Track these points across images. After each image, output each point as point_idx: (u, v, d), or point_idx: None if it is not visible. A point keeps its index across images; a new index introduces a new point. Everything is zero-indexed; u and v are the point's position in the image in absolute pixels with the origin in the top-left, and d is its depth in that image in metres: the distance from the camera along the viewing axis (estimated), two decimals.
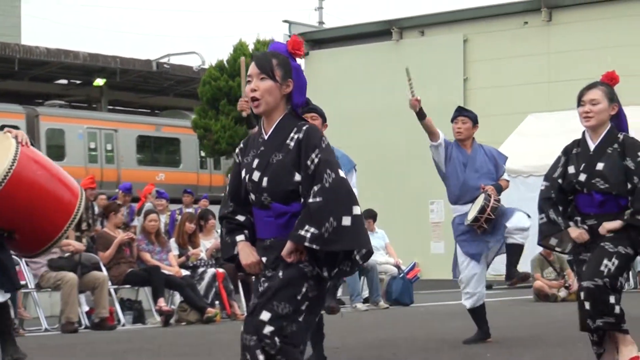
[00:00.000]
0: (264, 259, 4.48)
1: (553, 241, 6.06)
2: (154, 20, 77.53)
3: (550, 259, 15.89)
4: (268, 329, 4.31)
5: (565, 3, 25.99)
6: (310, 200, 4.29)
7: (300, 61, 22.17)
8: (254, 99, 4.48)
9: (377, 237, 16.09)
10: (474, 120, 9.47)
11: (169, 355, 9.40)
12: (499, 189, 9.25)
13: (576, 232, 5.91)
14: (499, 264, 9.82)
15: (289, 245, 4.33)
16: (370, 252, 4.42)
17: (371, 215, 15.84)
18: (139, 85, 36.75)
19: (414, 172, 26.45)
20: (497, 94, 26.35)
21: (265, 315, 4.33)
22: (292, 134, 4.43)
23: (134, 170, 30.25)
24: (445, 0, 71.57)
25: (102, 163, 30.63)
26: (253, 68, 4.49)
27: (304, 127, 4.43)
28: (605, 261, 5.78)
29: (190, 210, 16.48)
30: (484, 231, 9.05)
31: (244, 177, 4.52)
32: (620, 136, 5.92)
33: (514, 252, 9.25)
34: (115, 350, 9.83)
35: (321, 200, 4.27)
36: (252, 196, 4.50)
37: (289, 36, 30.33)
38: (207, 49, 47.83)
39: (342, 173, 4.35)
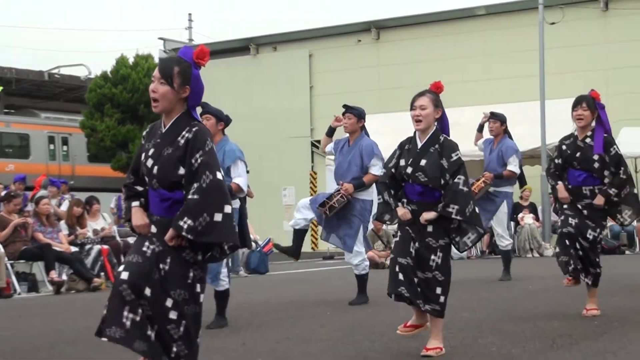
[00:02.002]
0: (153, 230, 4.43)
1: (386, 217, 6.11)
2: (46, 36, 75.36)
3: (379, 234, 16.12)
4: (173, 314, 4.29)
5: (391, 24, 26.43)
6: (190, 196, 4.25)
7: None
8: (153, 99, 4.41)
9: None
10: (358, 116, 9.12)
11: (60, 318, 9.12)
12: (359, 186, 8.94)
13: (402, 211, 5.97)
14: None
15: (170, 232, 4.29)
16: (236, 246, 4.43)
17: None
18: (32, 92, 35.81)
19: (269, 165, 26.50)
20: (337, 99, 26.29)
21: (169, 302, 4.30)
22: (184, 132, 4.37)
23: None
24: (293, 21, 71.84)
25: None
26: (156, 72, 4.42)
27: (194, 129, 4.37)
28: (432, 257, 5.84)
29: (66, 197, 16.14)
30: (326, 217, 8.98)
31: (142, 161, 4.48)
32: (442, 138, 5.97)
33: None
34: (12, 315, 9.60)
35: (198, 197, 4.23)
36: (146, 178, 4.48)
37: (164, 51, 29.90)
38: (93, 62, 46.92)
39: (219, 175, 4.30)
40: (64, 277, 12.78)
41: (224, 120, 7.89)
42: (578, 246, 7.36)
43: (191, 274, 4.35)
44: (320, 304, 9.36)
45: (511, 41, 24.16)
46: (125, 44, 69.45)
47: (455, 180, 5.81)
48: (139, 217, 4.47)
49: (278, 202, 26.78)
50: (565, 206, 7.55)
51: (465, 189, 5.82)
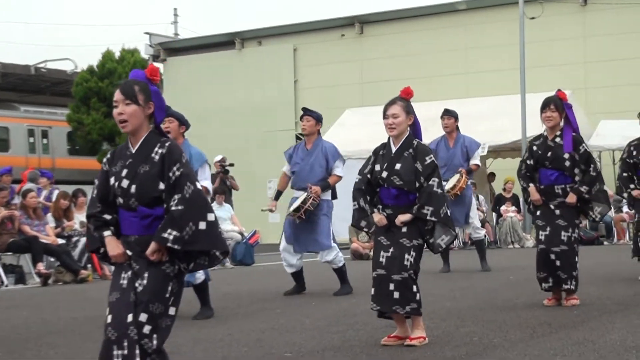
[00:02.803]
0: (128, 252, 4.37)
1: (363, 223, 6.12)
2: (33, 31, 74.93)
3: None
4: (147, 328, 4.23)
5: (374, 19, 26.43)
6: (173, 208, 4.23)
7: (159, 66, 21.76)
8: (121, 122, 4.38)
9: (224, 210, 16.13)
10: (317, 119, 9.30)
11: (47, 310, 9.08)
12: (326, 187, 9.12)
13: (378, 217, 6.01)
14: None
15: (153, 245, 4.24)
16: (226, 252, 4.41)
17: (222, 192, 16.03)
18: (19, 86, 35.62)
19: (255, 158, 26.48)
20: (321, 92, 26.55)
21: (143, 317, 4.23)
22: (156, 149, 4.35)
23: None
24: (278, 15, 71.70)
25: None
26: (118, 95, 4.38)
27: (166, 144, 4.36)
28: (406, 256, 5.86)
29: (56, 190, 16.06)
30: (301, 220, 9.04)
31: (113, 184, 4.40)
32: (415, 143, 6.02)
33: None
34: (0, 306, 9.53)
35: (182, 208, 4.21)
36: (120, 200, 4.39)
37: (150, 45, 29.79)
38: (80, 56, 46.70)
39: (198, 185, 4.32)
40: (52, 269, 12.72)
41: (185, 124, 7.92)
42: (553, 257, 7.42)
43: (169, 288, 4.30)
44: (306, 294, 9.39)
45: (492, 35, 24.19)
46: (111, 39, 69.21)
47: (430, 182, 5.87)
48: (114, 246, 4.39)
49: (263, 194, 26.76)
50: (538, 212, 7.64)
51: (440, 191, 5.89)
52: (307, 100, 26.73)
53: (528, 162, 7.73)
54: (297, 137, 27.27)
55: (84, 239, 13.09)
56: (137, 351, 4.20)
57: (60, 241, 13.03)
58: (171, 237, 4.18)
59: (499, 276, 10.63)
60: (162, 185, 4.31)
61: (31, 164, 27.17)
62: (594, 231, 18.33)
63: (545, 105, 7.57)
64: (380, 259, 5.92)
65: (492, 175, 21.66)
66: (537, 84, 20.88)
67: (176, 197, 4.24)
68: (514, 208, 18.88)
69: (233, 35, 28.66)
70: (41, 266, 12.48)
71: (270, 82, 27.45)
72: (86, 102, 29.88)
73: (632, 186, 9.41)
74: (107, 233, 4.41)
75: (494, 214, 19.62)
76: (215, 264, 4.53)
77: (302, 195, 9.08)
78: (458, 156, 11.30)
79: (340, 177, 9.24)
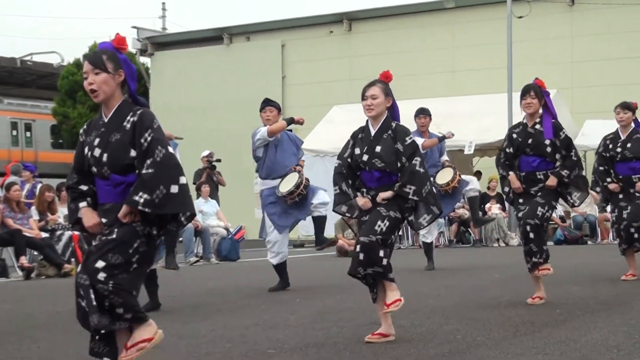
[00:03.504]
0: (104, 220, 4.38)
1: (344, 208, 6.10)
2: (19, 24, 74.64)
3: (349, 222, 16.11)
4: (102, 275, 4.21)
5: (362, 16, 26.46)
6: (144, 171, 4.23)
7: (146, 60, 21.68)
8: (92, 91, 4.38)
9: (210, 205, 16.13)
10: (279, 109, 9.46)
11: (30, 303, 9.04)
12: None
13: (362, 201, 5.99)
14: (311, 225, 9.85)
15: (124, 208, 4.26)
16: (193, 215, 4.42)
17: (210, 188, 16.17)
18: (4, 79, 35.48)
19: (242, 154, 26.38)
20: (309, 89, 26.56)
21: (100, 264, 4.22)
22: (128, 117, 4.36)
23: None
24: (266, 11, 71.54)
25: None
26: (87, 66, 4.39)
27: (139, 112, 4.37)
28: (379, 222, 5.84)
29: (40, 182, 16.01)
30: (293, 203, 9.07)
31: (87, 154, 4.42)
32: (394, 124, 6.01)
33: (320, 222, 9.40)
34: None
35: (153, 171, 4.22)
36: (94, 169, 4.41)
37: (138, 40, 29.70)
38: (66, 49, 46.53)
39: (171, 150, 4.31)
40: (35, 263, 12.67)
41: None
42: (528, 229, 7.46)
43: (136, 245, 4.28)
44: (290, 290, 9.38)
45: (480, 34, 24.25)
46: (98, 32, 68.88)
47: (412, 162, 5.86)
48: (89, 216, 4.40)
49: (250, 190, 26.67)
50: (520, 200, 7.66)
51: (422, 170, 5.88)
52: (295, 97, 26.78)
53: (507, 150, 7.72)
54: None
55: (68, 233, 13.17)
56: (92, 295, 4.20)
57: (44, 235, 12.97)
58: (142, 200, 4.18)
59: (484, 274, 10.65)
60: (133, 153, 4.31)
61: (14, 157, 27.03)
62: (578, 231, 18.39)
63: (525, 92, 7.61)
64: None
65: (478, 174, 21.68)
66: (524, 82, 20.82)
67: (148, 161, 4.24)
68: (499, 206, 18.92)
69: (221, 30, 28.63)
70: (24, 260, 12.43)
71: (258, 77, 27.42)
72: (72, 95, 29.78)
73: (608, 179, 9.43)
74: (82, 204, 4.43)
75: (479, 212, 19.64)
76: (180, 229, 4.53)
77: (289, 178, 9.13)
78: (435, 152, 11.47)
79: (304, 162, 9.71)
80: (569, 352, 5.32)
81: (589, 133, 20.32)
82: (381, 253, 5.83)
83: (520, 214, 7.63)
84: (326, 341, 6.00)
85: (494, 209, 18.68)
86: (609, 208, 17.38)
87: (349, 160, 6.05)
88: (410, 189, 5.83)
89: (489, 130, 20.31)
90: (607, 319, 6.58)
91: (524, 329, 6.21)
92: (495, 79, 22.24)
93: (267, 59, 27.45)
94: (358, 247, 5.86)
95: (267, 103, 9.48)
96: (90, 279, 4.21)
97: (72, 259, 13.01)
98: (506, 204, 19.27)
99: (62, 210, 13.61)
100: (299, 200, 9.15)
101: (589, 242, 18.35)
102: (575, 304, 7.47)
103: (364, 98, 6.01)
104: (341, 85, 25.68)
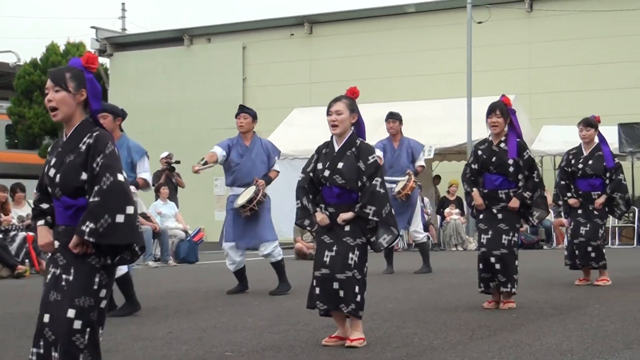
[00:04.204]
0: (56, 243, 4.30)
1: (306, 222, 6.11)
2: None
3: None
4: (77, 324, 4.16)
5: (323, 19, 26.51)
6: (91, 199, 4.16)
7: (105, 61, 21.52)
8: (52, 109, 4.31)
9: (169, 207, 16.07)
10: (254, 116, 9.34)
11: None
12: (269, 181, 9.21)
13: (320, 217, 6.00)
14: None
15: (74, 239, 4.17)
16: (143, 247, 4.34)
17: (168, 189, 16.18)
18: None
19: (201, 154, 26.21)
20: (269, 91, 26.53)
21: (71, 313, 4.15)
22: (85, 139, 4.29)
23: None
24: (227, 13, 71.28)
25: None
26: (49, 82, 4.33)
27: (95, 134, 4.29)
28: (350, 254, 5.86)
29: None
30: (247, 218, 9.05)
31: (44, 173, 4.38)
32: (358, 142, 6.02)
33: (277, 268, 9.41)
34: None
35: (98, 199, 4.13)
36: (49, 189, 4.35)
37: (97, 40, 29.45)
38: (22, 49, 45.87)
39: (120, 177, 4.19)
40: None
41: (120, 115, 7.84)
42: (493, 260, 7.52)
43: (97, 279, 4.23)
44: (249, 293, 9.38)
45: (440, 39, 24.39)
46: (56, 32, 68.15)
47: (373, 182, 5.87)
48: (42, 235, 4.36)
49: (209, 192, 26.62)
50: (480, 216, 7.74)
51: (382, 190, 5.89)
52: (256, 99, 26.69)
53: (473, 166, 7.83)
54: None
55: (22, 234, 12.98)
56: (71, 348, 4.13)
57: None
58: (87, 230, 4.10)
59: (441, 278, 10.72)
60: (84, 176, 4.23)
61: None
62: (534, 235, 18.58)
63: (491, 111, 7.66)
64: (325, 259, 5.90)
65: (437, 178, 21.85)
66: (484, 88, 21.10)
67: (95, 188, 4.16)
68: (457, 211, 19.05)
69: (182, 31, 28.51)
70: None
71: (219, 79, 27.33)
72: (28, 95, 29.46)
73: (569, 194, 9.55)
74: (40, 222, 4.40)
75: (438, 216, 19.78)
76: (135, 260, 4.45)
77: (248, 190, 9.08)
78: (404, 158, 11.44)
79: (278, 172, 9.42)
80: (524, 356, 5.39)
81: (546, 139, 20.55)
82: (356, 289, 5.86)
83: (483, 239, 7.66)
84: (283, 344, 6.01)
85: (453, 213, 18.81)
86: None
87: (311, 174, 6.06)
88: (370, 209, 5.84)
89: (448, 135, 20.45)
90: (561, 323, 6.67)
91: (480, 333, 6.26)
92: (455, 83, 22.39)
93: (228, 61, 27.38)
94: (336, 284, 5.82)
95: (242, 109, 9.34)
96: (65, 331, 4.14)
97: (27, 260, 12.82)
98: (465, 209, 19.43)
99: (16, 212, 13.46)
100: (251, 216, 9.08)
101: (545, 247, 18.55)
102: (531, 308, 7.56)
103: (328, 113, 6.00)
104: (302, 88, 25.70)
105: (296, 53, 26.45)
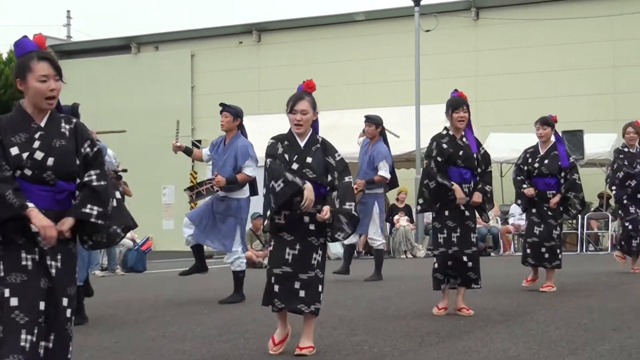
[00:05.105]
0: (33, 227, 4.13)
1: (298, 198, 5.78)
2: None
3: (257, 233, 16.08)
4: (69, 312, 4.19)
5: (272, 27, 26.56)
6: (95, 183, 4.19)
7: None
8: (52, 97, 4.24)
9: None
10: (235, 115, 9.08)
11: None
12: (232, 181, 8.88)
13: (309, 187, 5.79)
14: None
15: (70, 220, 4.13)
16: (129, 227, 4.43)
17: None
18: None
19: (149, 164, 26.14)
20: (218, 99, 26.19)
21: (65, 301, 4.17)
22: (63, 124, 4.27)
23: None
24: (176, 21, 70.94)
25: None
26: (50, 69, 4.25)
27: (73, 120, 4.33)
28: (314, 255, 5.86)
29: None
30: (191, 200, 9.16)
31: (18, 155, 4.14)
32: (320, 138, 6.02)
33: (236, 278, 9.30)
34: None
35: (105, 184, 4.22)
36: (28, 172, 4.16)
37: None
38: None
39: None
40: None
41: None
42: (465, 259, 7.57)
43: (75, 267, 4.29)
44: (198, 302, 9.29)
45: (388, 47, 24.56)
46: None
47: (347, 179, 5.90)
48: (42, 217, 4.07)
49: (158, 200, 26.46)
50: (447, 213, 7.59)
51: (351, 187, 5.96)
52: (204, 107, 26.65)
53: (439, 159, 7.59)
54: (193, 144, 27.03)
55: None
56: (69, 340, 4.16)
57: None
58: (94, 212, 4.15)
59: (391, 285, 10.75)
60: (77, 161, 4.26)
61: None
62: (482, 242, 18.76)
63: (458, 106, 7.58)
64: (286, 257, 5.81)
65: (386, 186, 21.91)
66: (432, 95, 21.29)
67: (94, 172, 4.22)
68: (406, 218, 19.15)
69: (129, 39, 28.36)
70: None
71: (167, 87, 27.21)
72: None
73: (524, 185, 9.53)
74: (31, 205, 4.07)
75: (387, 223, 19.85)
76: (117, 242, 4.51)
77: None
78: (365, 163, 11.29)
79: (248, 177, 8.99)
80: None
81: (493, 146, 20.75)
82: (320, 287, 5.85)
83: (453, 238, 7.54)
84: (232, 353, 5.98)
85: (401, 220, 18.90)
86: (510, 220, 17.77)
87: (277, 161, 5.87)
88: (350, 205, 5.85)
89: (397, 143, 20.52)
90: (508, 329, 6.73)
91: (429, 340, 6.30)
92: (404, 91, 22.55)
93: (177, 69, 27.27)
94: (297, 283, 5.79)
95: (224, 108, 9.15)
96: (61, 320, 4.14)
97: None
98: (414, 216, 19.53)
99: None
100: (195, 199, 9.12)
101: (492, 254, 18.73)
102: (478, 315, 7.61)
103: (293, 112, 5.92)
104: (250, 96, 25.66)
105: (245, 61, 26.43)
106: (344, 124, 21.04)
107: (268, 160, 5.92)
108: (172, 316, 8.12)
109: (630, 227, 11.30)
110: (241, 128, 9.22)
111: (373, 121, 11.46)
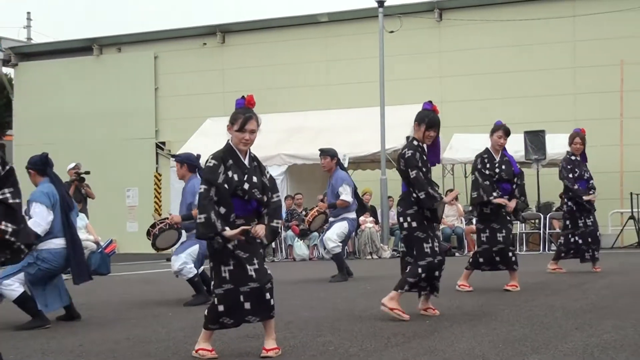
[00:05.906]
0: None
1: (216, 238, 5.69)
2: None
3: None
4: None
5: (236, 29, 26.51)
6: (11, 201, 4.17)
7: (9, 71, 20.97)
8: None
9: (79, 219, 15.68)
10: (181, 162, 9.39)
11: None
12: (187, 218, 9.11)
13: (260, 228, 5.80)
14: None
15: None
16: (30, 244, 4.40)
17: (78, 200, 15.70)
18: None
19: (112, 164, 25.96)
20: (182, 100, 26.36)
21: None
22: None
23: None
24: (138, 22, 70.43)
25: None
26: None
27: None
28: (265, 265, 5.89)
29: None
30: (154, 238, 9.41)
31: None
32: (253, 155, 5.97)
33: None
34: None
35: (20, 201, 4.20)
36: None
37: (1, 50, 28.81)
38: None
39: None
40: None
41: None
42: (443, 267, 7.65)
43: None
44: (163, 304, 9.26)
45: (352, 48, 24.61)
46: None
47: (277, 196, 5.95)
48: None
49: (121, 203, 26.28)
50: (426, 222, 7.53)
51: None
52: (168, 109, 26.52)
53: (424, 169, 7.55)
54: (157, 146, 26.90)
55: None
56: None
57: None
58: (9, 230, 4.13)
59: (356, 286, 10.78)
60: None
61: None
62: (447, 242, 18.86)
63: (431, 126, 7.49)
64: (250, 273, 5.71)
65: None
66: (396, 97, 21.38)
67: (8, 190, 4.19)
68: (371, 219, 19.20)
69: (91, 41, 28.12)
70: None
71: (130, 89, 27.04)
72: None
73: (494, 194, 9.57)
74: None
75: None
76: (22, 258, 4.44)
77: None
78: (330, 193, 11.73)
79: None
80: None
81: (457, 146, 20.92)
82: (267, 295, 5.82)
83: (435, 247, 7.55)
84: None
85: (367, 222, 18.95)
86: (474, 220, 17.92)
87: (226, 185, 5.72)
88: (277, 223, 5.91)
89: (362, 144, 20.61)
90: (473, 329, 6.77)
91: (395, 340, 6.31)
92: (368, 92, 22.61)
93: (139, 71, 27.11)
94: (267, 294, 5.77)
95: (174, 157, 9.87)
96: None
97: None
98: (379, 217, 19.59)
99: None
100: (159, 234, 9.47)
101: (457, 254, 18.83)
102: (443, 314, 7.66)
103: (242, 130, 5.79)
104: (215, 97, 25.60)
105: (209, 62, 26.35)
106: (310, 125, 21.05)
107: (202, 187, 5.71)
108: (136, 319, 8.08)
109: (580, 240, 11.65)
110: (192, 170, 9.29)
111: (328, 153, 11.69)
